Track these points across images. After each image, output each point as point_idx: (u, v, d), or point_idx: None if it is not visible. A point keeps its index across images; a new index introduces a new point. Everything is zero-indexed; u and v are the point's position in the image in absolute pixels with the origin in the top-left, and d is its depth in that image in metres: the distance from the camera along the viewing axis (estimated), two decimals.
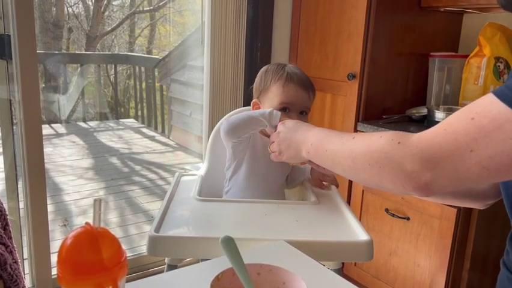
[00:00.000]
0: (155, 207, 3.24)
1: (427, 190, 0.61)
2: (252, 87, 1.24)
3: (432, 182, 0.60)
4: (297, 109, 1.15)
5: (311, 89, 1.18)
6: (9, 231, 1.01)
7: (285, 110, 1.14)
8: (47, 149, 4.07)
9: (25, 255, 1.78)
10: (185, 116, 4.56)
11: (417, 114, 1.94)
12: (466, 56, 1.93)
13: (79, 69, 5.19)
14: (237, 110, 1.44)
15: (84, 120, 5.21)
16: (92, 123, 5.26)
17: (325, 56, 2.02)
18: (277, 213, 1.03)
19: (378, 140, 0.67)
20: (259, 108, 1.19)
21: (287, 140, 0.91)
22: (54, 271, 1.80)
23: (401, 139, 0.63)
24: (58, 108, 4.89)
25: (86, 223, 0.51)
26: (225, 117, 1.40)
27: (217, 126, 1.40)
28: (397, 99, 2.01)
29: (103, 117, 5.46)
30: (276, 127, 1.00)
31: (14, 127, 1.70)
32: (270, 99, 1.16)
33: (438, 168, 0.58)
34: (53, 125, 4.82)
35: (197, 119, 4.00)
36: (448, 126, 0.59)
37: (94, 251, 0.50)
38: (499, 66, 1.85)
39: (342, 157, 0.74)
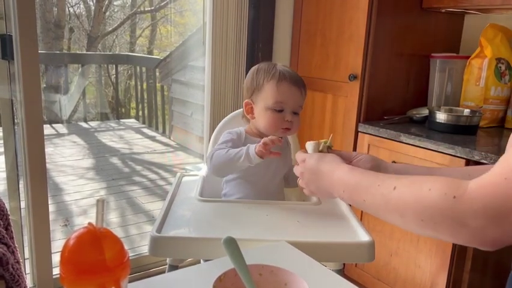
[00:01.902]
0: (156, 207, 3.24)
1: (494, 245, 0.57)
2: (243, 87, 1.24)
3: (501, 237, 0.56)
4: (290, 108, 1.16)
5: (303, 86, 1.19)
6: (11, 232, 1.01)
7: (281, 110, 1.15)
8: (48, 149, 4.08)
9: (26, 255, 1.79)
10: (186, 116, 4.56)
11: (418, 115, 1.94)
12: (467, 57, 1.93)
13: (80, 69, 5.20)
14: (230, 115, 1.43)
15: (85, 120, 5.22)
16: (93, 123, 5.27)
17: (326, 56, 2.02)
18: (278, 213, 1.03)
19: (429, 194, 0.61)
20: (251, 108, 1.19)
21: (313, 182, 0.87)
22: (55, 271, 1.81)
23: (456, 192, 0.57)
24: (59, 108, 4.90)
25: (89, 223, 0.51)
26: (217, 127, 1.40)
27: (218, 127, 1.40)
28: (398, 100, 2.01)
29: (103, 117, 5.47)
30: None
31: (16, 127, 1.70)
32: (263, 99, 1.16)
33: (507, 223, 0.54)
34: (54, 125, 4.82)
35: (198, 119, 4.00)
36: (509, 173, 0.54)
37: (96, 252, 0.50)
38: (500, 67, 1.85)
39: (387, 210, 0.68)
